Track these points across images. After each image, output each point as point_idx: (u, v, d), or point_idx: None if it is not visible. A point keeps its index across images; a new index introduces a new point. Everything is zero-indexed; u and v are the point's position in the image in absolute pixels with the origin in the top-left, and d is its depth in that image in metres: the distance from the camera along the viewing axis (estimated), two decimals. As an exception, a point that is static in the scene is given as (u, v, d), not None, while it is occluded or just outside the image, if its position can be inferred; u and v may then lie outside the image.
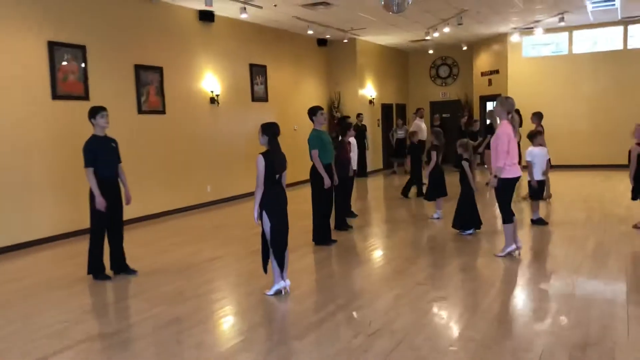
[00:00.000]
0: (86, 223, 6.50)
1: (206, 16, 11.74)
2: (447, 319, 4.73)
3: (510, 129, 6.49)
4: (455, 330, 4.48)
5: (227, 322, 4.92)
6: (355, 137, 15.28)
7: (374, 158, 17.94)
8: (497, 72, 17.66)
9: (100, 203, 6.16)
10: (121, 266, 6.54)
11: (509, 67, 17.08)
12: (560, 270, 6.07)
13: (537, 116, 10.61)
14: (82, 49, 9.18)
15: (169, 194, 10.91)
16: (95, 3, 9.44)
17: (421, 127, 15.38)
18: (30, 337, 4.63)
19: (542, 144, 8.59)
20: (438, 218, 9.20)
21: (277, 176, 5.51)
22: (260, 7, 11.66)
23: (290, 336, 4.56)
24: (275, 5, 11.63)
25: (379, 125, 18.29)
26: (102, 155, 6.31)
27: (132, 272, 6.54)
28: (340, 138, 9.27)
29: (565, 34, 16.44)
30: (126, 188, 6.60)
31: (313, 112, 7.60)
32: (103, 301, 5.72)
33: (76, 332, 4.73)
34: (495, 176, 6.45)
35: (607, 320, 4.47)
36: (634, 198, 8.00)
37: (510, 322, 4.59)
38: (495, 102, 6.73)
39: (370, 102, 17.68)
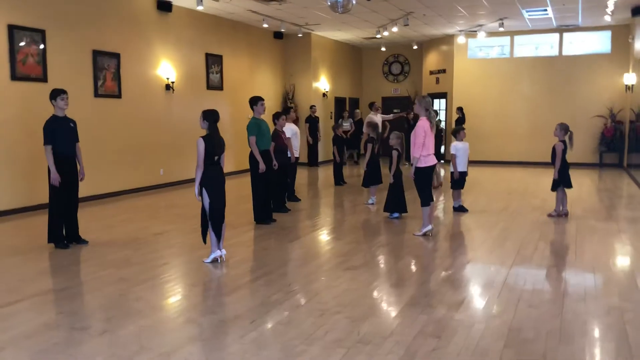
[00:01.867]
0: (43, 198, 7.03)
1: (164, 6, 12.28)
2: (353, 282, 5.53)
3: (428, 124, 7.33)
4: (357, 289, 5.27)
5: (167, 282, 5.60)
6: (308, 128, 16.14)
7: (326, 149, 18.71)
8: (444, 71, 18.66)
9: (55, 179, 6.74)
10: (74, 236, 7.12)
11: (455, 67, 18.10)
12: (463, 247, 6.98)
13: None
14: (41, 32, 9.64)
15: (123, 175, 11.46)
16: (56, -10, 9.91)
17: (374, 119, 16.22)
18: (-12, 292, 5.24)
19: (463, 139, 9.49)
20: (372, 204, 10.04)
21: (216, 158, 6.20)
22: (217, 0, 12.27)
23: (220, 293, 5.30)
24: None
25: (331, 118, 19.07)
26: (60, 134, 6.87)
27: (84, 242, 7.14)
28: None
29: (508, 38, 17.53)
30: (81, 165, 7.18)
31: (254, 101, 8.30)
32: (56, 265, 6.31)
33: (30, 288, 5.35)
34: (412, 165, 7.32)
35: (487, 282, 5.36)
36: (553, 189, 8.96)
37: (406, 286, 5.40)
38: (417, 100, 7.55)
39: (324, 95, 18.46)
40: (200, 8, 12.13)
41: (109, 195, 11.05)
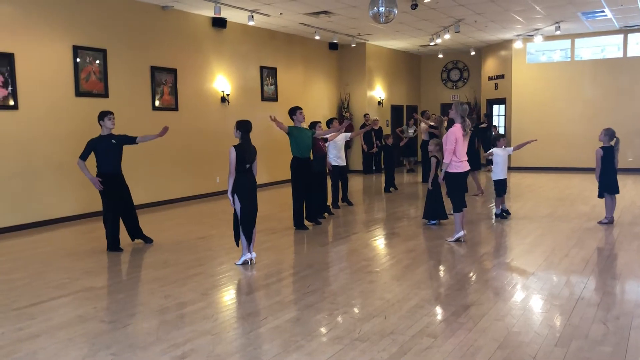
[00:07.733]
0: (100, 205, 7.63)
1: (219, 22, 12.90)
2: (371, 284, 5.71)
3: (460, 131, 7.38)
4: (371, 292, 5.45)
5: (195, 282, 5.98)
6: (363, 136, 16.27)
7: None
8: (502, 76, 18.37)
9: (95, 182, 7.29)
10: (138, 235, 7.78)
11: (514, 72, 17.80)
12: (492, 253, 6.99)
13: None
14: (102, 52, 10.43)
15: (180, 183, 12.12)
16: (116, 11, 10.69)
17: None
18: (38, 287, 5.83)
19: (506, 146, 9.41)
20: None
21: (248, 165, 6.56)
22: (268, 15, 12.76)
23: (242, 293, 5.63)
24: (281, 14, 12.71)
25: (387, 125, 19.18)
26: (101, 153, 7.35)
27: (149, 240, 7.81)
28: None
29: (569, 41, 17.05)
30: (154, 135, 7.88)
31: (293, 111, 8.64)
32: (102, 266, 6.86)
33: (75, 285, 5.89)
34: (442, 170, 7.42)
35: (502, 288, 5.40)
36: (599, 196, 8.76)
37: (421, 289, 5.53)
38: (453, 105, 7.57)
39: (379, 103, 18.61)
40: (251, 23, 12.66)
41: (166, 202, 11.72)
